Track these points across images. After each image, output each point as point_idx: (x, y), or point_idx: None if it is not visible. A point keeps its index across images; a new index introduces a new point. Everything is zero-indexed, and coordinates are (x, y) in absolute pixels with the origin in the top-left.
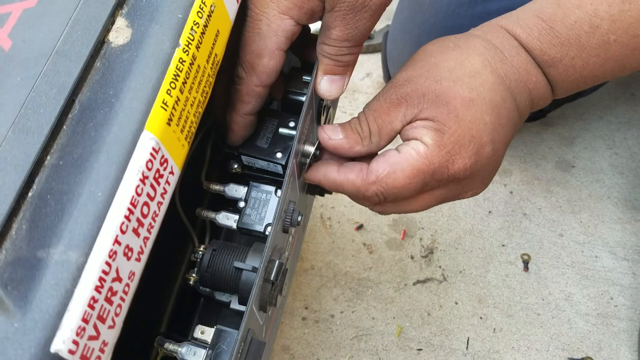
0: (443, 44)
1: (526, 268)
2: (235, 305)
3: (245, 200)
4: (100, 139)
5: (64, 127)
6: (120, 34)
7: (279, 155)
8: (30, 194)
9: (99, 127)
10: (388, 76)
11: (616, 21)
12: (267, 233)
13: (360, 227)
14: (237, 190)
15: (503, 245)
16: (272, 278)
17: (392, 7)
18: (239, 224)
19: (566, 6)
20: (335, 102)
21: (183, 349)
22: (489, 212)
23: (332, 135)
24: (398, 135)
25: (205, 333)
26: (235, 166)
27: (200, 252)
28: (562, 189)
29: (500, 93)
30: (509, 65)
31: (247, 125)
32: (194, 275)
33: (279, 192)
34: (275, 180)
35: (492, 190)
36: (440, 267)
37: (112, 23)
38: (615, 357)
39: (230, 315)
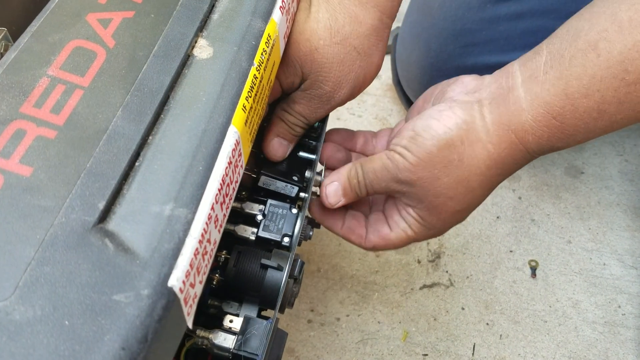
0: (449, 154)
1: (534, 274)
2: (245, 313)
3: (264, 214)
4: (195, 127)
5: (162, 115)
6: (203, 50)
7: (295, 178)
8: (137, 163)
9: (193, 118)
10: (397, 79)
11: (623, 103)
12: (284, 242)
13: None
14: (253, 208)
15: (511, 251)
16: (295, 273)
17: (402, 9)
18: (259, 234)
19: (574, 96)
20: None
21: (214, 335)
22: (497, 217)
23: (332, 201)
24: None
25: (234, 322)
26: (243, 193)
27: (223, 256)
28: (571, 195)
29: (486, 195)
30: (506, 174)
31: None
32: (217, 275)
33: (293, 209)
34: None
35: (500, 196)
36: (447, 272)
37: (196, 42)
38: None
39: None
